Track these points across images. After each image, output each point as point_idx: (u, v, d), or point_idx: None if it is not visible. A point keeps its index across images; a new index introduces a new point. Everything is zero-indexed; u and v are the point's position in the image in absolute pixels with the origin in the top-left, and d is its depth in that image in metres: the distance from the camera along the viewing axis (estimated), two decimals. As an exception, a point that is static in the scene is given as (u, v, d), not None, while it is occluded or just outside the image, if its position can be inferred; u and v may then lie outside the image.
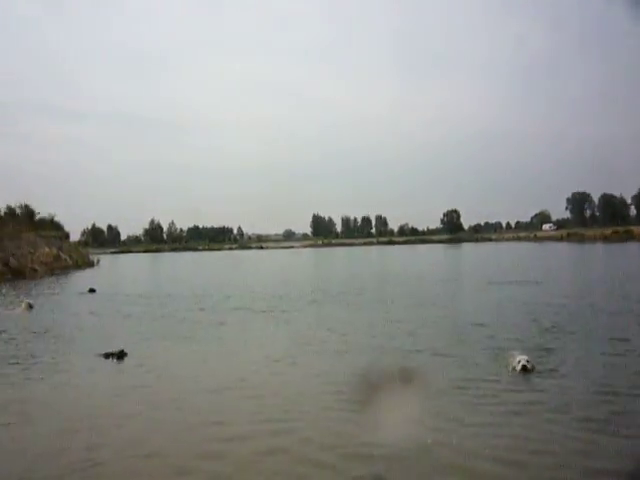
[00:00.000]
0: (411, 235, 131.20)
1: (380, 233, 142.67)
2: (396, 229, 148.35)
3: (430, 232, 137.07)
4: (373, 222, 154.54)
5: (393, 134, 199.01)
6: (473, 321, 13.15)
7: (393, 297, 18.99)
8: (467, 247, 79.38)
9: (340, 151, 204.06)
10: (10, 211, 47.52)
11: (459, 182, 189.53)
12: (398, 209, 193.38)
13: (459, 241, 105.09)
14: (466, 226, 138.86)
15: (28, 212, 49.30)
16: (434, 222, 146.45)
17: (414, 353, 9.98)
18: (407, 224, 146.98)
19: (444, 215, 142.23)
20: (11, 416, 7.24)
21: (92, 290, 22.93)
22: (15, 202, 49.04)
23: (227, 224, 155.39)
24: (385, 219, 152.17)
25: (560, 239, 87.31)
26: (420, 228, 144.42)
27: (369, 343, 11.06)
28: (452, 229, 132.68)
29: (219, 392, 7.95)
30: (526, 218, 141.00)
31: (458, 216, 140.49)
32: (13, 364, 10.09)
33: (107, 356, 10.22)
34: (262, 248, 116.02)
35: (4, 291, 25.79)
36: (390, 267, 41.42)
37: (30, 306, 17.71)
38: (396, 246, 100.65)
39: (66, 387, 8.73)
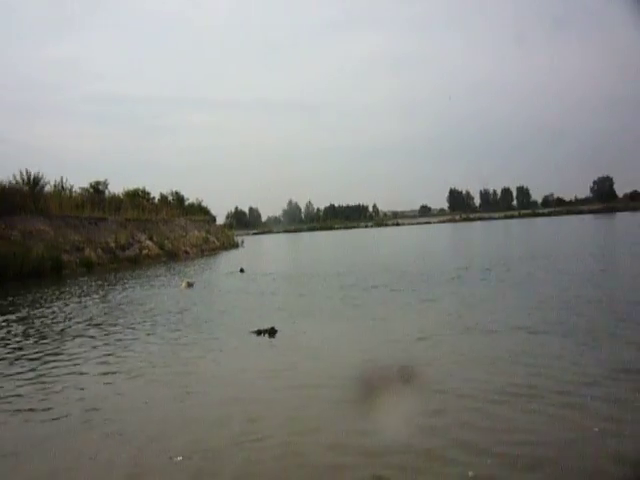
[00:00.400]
0: (557, 206, 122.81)
1: (522, 205, 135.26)
2: (540, 200, 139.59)
3: (579, 202, 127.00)
4: (514, 194, 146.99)
5: (535, 96, 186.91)
6: None
7: (549, 274, 17.64)
8: (622, 217, 72.57)
9: (475, 122, 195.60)
10: (163, 198, 51.19)
11: (612, 146, 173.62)
12: (541, 178, 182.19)
13: (612, 210, 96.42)
14: (621, 194, 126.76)
15: (179, 198, 52.79)
16: (583, 191, 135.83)
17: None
18: (552, 194, 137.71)
19: (594, 183, 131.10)
20: (174, 389, 7.50)
21: (242, 270, 24.03)
22: (167, 190, 52.70)
23: (362, 202, 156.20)
24: (527, 190, 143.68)
25: None
26: (567, 198, 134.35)
27: (520, 324, 10.15)
28: (604, 198, 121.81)
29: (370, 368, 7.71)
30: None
31: (611, 183, 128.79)
32: (175, 338, 10.64)
33: (259, 333, 10.48)
34: (398, 225, 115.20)
35: (163, 271, 28.02)
36: (536, 240, 38.96)
37: (190, 284, 19.39)
38: (540, 218, 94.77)
39: (223, 361, 9.01)
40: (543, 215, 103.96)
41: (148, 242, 38.77)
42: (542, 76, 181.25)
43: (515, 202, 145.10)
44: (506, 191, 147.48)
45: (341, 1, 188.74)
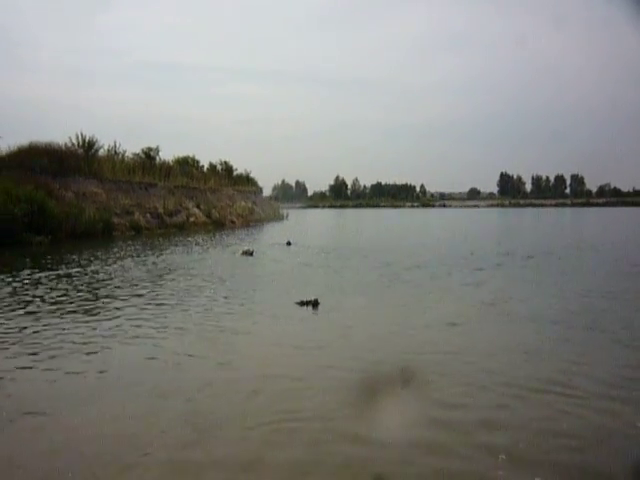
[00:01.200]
0: (613, 196, 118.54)
1: (576, 194, 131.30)
2: (595, 190, 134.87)
3: (637, 193, 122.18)
4: (568, 182, 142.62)
5: (595, 85, 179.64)
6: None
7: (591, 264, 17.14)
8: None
9: (533, 107, 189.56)
10: (212, 167, 51.69)
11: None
12: (597, 168, 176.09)
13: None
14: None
15: (227, 168, 53.20)
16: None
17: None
18: (608, 184, 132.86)
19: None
20: (222, 355, 7.64)
21: (289, 243, 24.13)
22: (216, 159, 53.15)
23: (410, 181, 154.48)
24: (582, 178, 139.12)
25: None
26: (624, 189, 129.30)
27: (554, 315, 9.89)
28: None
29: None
30: None
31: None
32: (228, 306, 10.85)
33: (302, 304, 10.66)
34: (445, 206, 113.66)
35: (216, 237, 28.64)
36: (585, 230, 37.77)
37: (247, 252, 20.16)
38: (593, 208, 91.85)
39: (268, 330, 9.18)
40: (597, 205, 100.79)
41: (195, 210, 39.42)
42: (615, 60, 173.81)
43: (568, 190, 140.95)
44: (559, 178, 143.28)
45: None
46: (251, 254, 19.99)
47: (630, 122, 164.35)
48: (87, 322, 9.45)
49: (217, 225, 40.06)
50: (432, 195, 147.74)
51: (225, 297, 11.79)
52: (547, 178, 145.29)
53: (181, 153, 48.24)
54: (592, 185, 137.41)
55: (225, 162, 53.15)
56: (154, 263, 17.75)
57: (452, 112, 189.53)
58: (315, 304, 10.64)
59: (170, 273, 15.42)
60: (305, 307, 10.54)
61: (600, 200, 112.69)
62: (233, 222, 43.27)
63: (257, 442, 4.93)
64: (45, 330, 8.80)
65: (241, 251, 20.39)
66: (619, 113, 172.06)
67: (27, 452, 4.84)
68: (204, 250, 22.61)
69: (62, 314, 10.04)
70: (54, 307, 10.63)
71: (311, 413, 5.56)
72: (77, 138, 32.15)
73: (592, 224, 47.29)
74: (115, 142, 37.39)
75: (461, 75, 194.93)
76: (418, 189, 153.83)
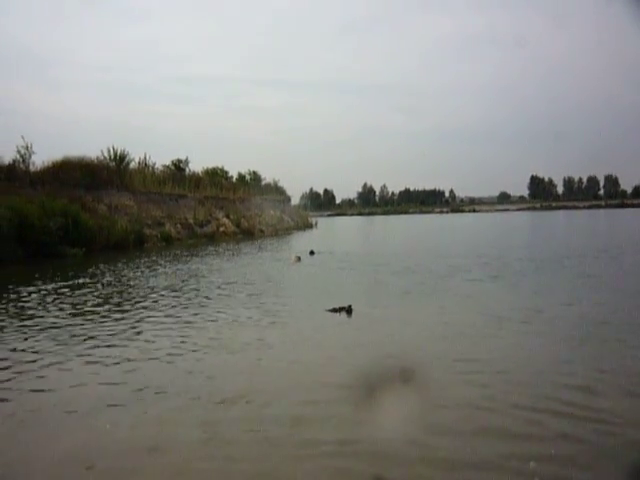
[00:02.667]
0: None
1: (610, 195, 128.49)
2: (630, 190, 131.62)
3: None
4: (601, 183, 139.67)
5: (625, 80, 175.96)
6: None
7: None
8: None
9: (564, 108, 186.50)
10: (240, 177, 52.16)
11: None
12: (633, 167, 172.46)
13: None
14: None
15: (256, 178, 53.63)
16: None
17: None
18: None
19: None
20: (255, 351, 7.70)
21: (312, 252, 23.76)
22: (244, 170, 53.62)
23: (439, 187, 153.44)
24: (616, 179, 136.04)
25: None
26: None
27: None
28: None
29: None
30: None
31: None
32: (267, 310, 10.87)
33: (336, 310, 10.63)
34: (475, 211, 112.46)
35: (248, 247, 28.78)
36: (620, 231, 36.89)
37: (299, 259, 20.96)
38: (629, 209, 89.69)
39: (305, 335, 9.16)
40: (633, 206, 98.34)
41: (225, 219, 39.76)
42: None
43: (602, 191, 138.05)
44: (592, 179, 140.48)
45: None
46: (299, 259, 20.91)
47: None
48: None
49: (246, 234, 40.34)
50: (462, 200, 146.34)
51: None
52: (580, 179, 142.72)
53: (210, 164, 48.88)
54: (627, 185, 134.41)
55: (254, 172, 53.66)
56: (194, 275, 17.92)
57: (482, 115, 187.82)
58: (349, 310, 10.59)
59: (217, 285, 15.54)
60: (339, 313, 10.49)
61: (636, 201, 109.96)
62: (262, 231, 43.51)
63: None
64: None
65: (294, 257, 21.11)
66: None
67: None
68: (252, 258, 22.82)
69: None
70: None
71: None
72: (109, 152, 32.83)
73: (627, 225, 46.17)
74: (145, 154, 38.06)
75: (491, 79, 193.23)
76: (447, 194, 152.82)
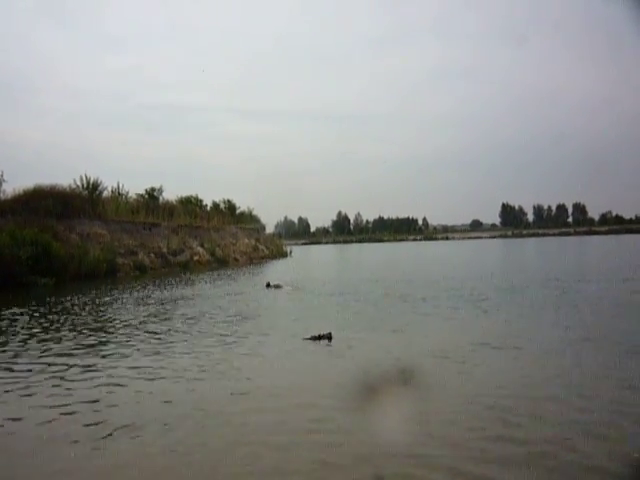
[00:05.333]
0: (615, 224, 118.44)
1: (578, 223, 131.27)
2: (597, 218, 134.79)
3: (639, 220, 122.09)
4: (570, 210, 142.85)
5: (597, 111, 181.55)
6: None
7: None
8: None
9: (529, 137, 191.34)
10: (215, 206, 52.03)
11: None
12: (599, 196, 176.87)
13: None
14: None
15: (230, 207, 53.52)
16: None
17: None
18: (610, 212, 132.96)
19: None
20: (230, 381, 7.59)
21: (268, 285, 21.71)
22: (219, 198, 53.48)
23: (412, 215, 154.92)
24: (584, 207, 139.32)
25: None
26: (627, 216, 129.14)
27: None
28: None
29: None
30: None
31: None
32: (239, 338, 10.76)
33: (317, 338, 10.66)
34: (448, 239, 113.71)
35: (216, 276, 28.57)
36: (586, 257, 37.70)
37: (271, 285, 21.34)
38: (597, 236, 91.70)
39: (297, 364, 9.16)
40: (600, 233, 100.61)
41: (199, 248, 39.53)
42: (604, 90, 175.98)
43: (570, 219, 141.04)
44: (561, 207, 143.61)
45: (391, 16, 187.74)
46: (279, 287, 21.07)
47: (631, 151, 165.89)
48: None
49: (221, 263, 40.11)
50: (434, 228, 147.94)
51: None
52: (549, 207, 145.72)
53: (185, 193, 48.70)
54: (594, 213, 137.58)
55: (228, 200, 53.57)
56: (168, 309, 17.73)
57: (452, 144, 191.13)
58: (330, 337, 10.65)
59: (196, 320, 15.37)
60: (320, 341, 10.53)
61: (603, 228, 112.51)
62: (237, 260, 43.33)
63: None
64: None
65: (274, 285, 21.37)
66: (620, 142, 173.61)
67: None
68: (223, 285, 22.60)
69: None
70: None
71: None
72: (81, 180, 32.56)
73: (592, 253, 47.20)
74: (119, 183, 37.86)
75: (462, 108, 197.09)
76: (420, 222, 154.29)
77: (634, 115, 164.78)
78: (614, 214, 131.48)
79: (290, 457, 5.38)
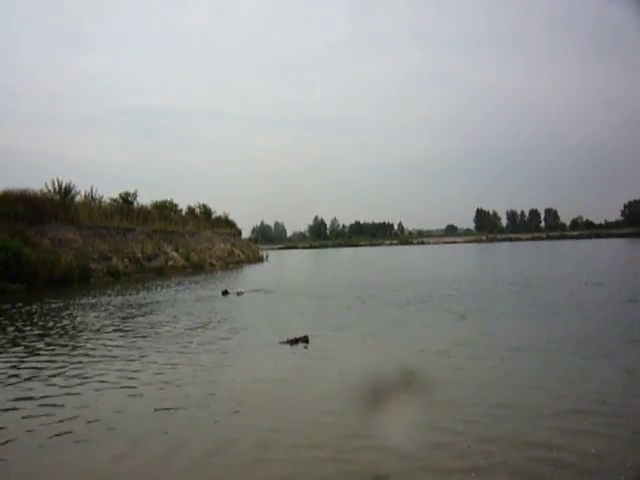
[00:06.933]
0: (585, 229, 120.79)
1: (550, 227, 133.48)
2: (568, 223, 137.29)
3: (609, 225, 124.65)
4: (542, 216, 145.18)
5: (568, 117, 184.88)
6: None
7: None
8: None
9: (505, 142, 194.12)
10: (190, 210, 51.70)
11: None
12: (570, 201, 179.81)
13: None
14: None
15: (206, 211, 53.24)
16: (613, 214, 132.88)
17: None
18: (581, 217, 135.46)
19: (625, 206, 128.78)
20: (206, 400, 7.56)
21: (225, 292, 21.06)
22: (194, 203, 53.14)
23: (388, 220, 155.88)
24: (555, 212, 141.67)
25: None
26: (597, 221, 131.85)
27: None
28: (635, 222, 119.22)
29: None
30: None
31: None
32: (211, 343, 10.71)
33: (293, 342, 10.69)
34: (423, 243, 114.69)
35: (202, 280, 28.40)
36: (560, 261, 38.34)
37: (239, 293, 20.79)
38: (568, 241, 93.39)
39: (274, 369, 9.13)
40: (571, 238, 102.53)
41: (174, 253, 39.24)
42: (576, 95, 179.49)
43: (543, 224, 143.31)
44: (534, 212, 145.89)
45: (363, 21, 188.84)
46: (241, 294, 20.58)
47: (601, 158, 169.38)
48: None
49: (196, 268, 39.86)
50: (410, 232, 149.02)
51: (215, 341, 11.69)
52: (522, 212, 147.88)
53: (160, 197, 48.34)
54: (566, 219, 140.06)
55: (204, 205, 53.28)
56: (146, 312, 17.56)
57: (428, 150, 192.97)
58: (306, 340, 10.71)
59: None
60: (297, 344, 10.57)
61: (574, 233, 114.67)
62: (212, 265, 43.12)
63: None
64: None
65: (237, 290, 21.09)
66: (588, 148, 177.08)
67: None
68: (196, 292, 22.44)
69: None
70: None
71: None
72: (53, 184, 32.09)
73: (566, 256, 48.02)
74: (92, 188, 37.45)
75: (437, 114, 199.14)
76: (396, 227, 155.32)
77: (605, 128, 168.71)
78: (584, 219, 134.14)
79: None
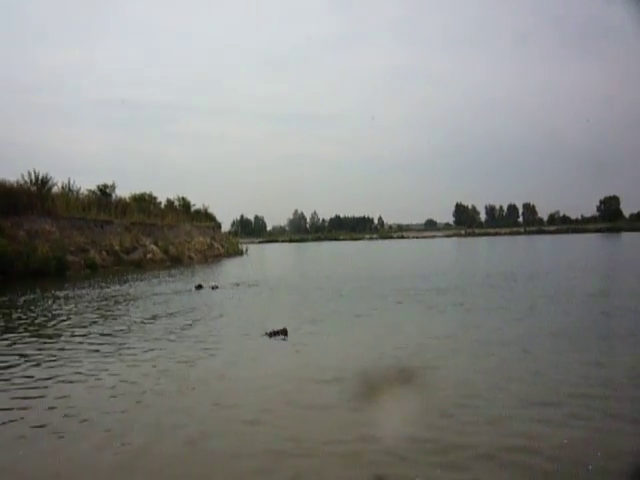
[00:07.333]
0: (562, 224, 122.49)
1: (528, 222, 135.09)
2: (546, 218, 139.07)
3: (585, 221, 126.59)
4: (520, 211, 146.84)
5: (542, 117, 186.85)
6: None
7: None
8: (627, 237, 72.27)
9: (481, 137, 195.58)
10: (169, 203, 51.27)
11: (621, 166, 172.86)
12: (548, 197, 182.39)
13: (618, 230, 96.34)
14: (627, 214, 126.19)
15: (185, 204, 52.83)
16: (589, 210, 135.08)
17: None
18: (558, 212, 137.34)
19: (601, 202, 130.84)
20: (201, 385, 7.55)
21: (199, 286, 20.68)
22: (173, 195, 52.70)
23: (368, 214, 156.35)
24: (534, 207, 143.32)
25: None
26: (573, 217, 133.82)
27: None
28: (610, 217, 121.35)
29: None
30: None
31: (618, 203, 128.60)
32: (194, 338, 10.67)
33: (273, 334, 10.70)
34: (403, 238, 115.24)
35: (180, 273, 28.19)
36: (537, 257, 38.90)
37: (214, 287, 20.41)
38: (545, 236, 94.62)
39: (256, 362, 9.14)
40: (549, 232, 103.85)
41: (152, 246, 38.89)
42: (556, 93, 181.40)
43: (521, 219, 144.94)
44: (512, 207, 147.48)
45: (346, 15, 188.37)
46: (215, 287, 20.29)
47: (575, 153, 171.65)
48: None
49: (175, 261, 39.59)
50: (390, 227, 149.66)
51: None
52: (500, 207, 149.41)
53: (138, 190, 47.86)
54: (543, 214, 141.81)
55: (183, 198, 52.88)
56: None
57: (407, 146, 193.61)
58: (285, 332, 10.74)
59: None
60: (276, 337, 10.58)
61: (551, 228, 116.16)
62: (191, 258, 42.85)
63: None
64: None
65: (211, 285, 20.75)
66: (566, 144, 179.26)
67: None
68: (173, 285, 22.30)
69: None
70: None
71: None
72: (30, 175, 31.60)
73: (540, 251, 48.69)
74: (69, 179, 36.94)
75: (418, 111, 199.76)
76: (376, 221, 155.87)
77: (583, 127, 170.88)
78: (561, 214, 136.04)
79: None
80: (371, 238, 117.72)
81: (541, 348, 9.20)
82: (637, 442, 5.38)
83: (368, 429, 5.77)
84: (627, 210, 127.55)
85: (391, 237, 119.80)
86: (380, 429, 5.77)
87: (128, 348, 10.07)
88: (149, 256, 37.73)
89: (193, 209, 53.04)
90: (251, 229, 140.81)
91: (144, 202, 45.32)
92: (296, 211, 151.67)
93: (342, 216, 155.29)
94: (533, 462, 4.93)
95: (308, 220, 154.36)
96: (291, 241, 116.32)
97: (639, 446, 5.22)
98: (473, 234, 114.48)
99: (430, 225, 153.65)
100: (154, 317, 13.78)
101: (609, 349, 9.24)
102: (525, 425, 5.78)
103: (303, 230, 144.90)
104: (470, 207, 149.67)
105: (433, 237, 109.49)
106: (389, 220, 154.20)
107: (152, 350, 9.86)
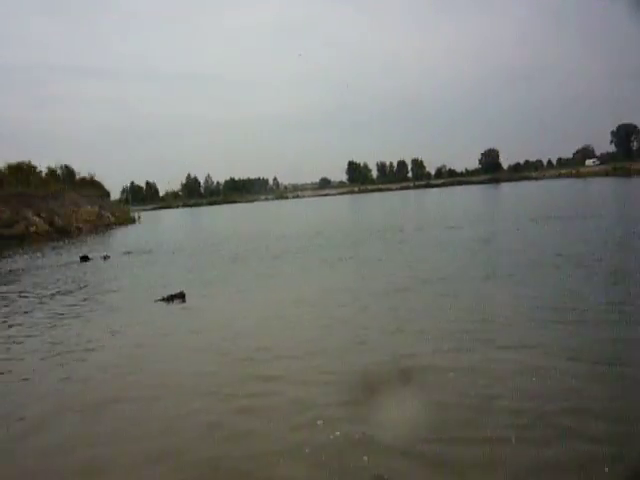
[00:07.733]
0: (449, 177, 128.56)
1: (417, 177, 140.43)
2: (433, 172, 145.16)
3: (469, 173, 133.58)
4: (409, 166, 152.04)
5: (425, 73, 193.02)
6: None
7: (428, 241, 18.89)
8: (505, 187, 77.43)
9: (371, 95, 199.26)
10: (51, 172, 48.40)
11: (498, 121, 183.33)
12: (434, 152, 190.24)
13: (497, 181, 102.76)
14: (506, 166, 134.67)
15: (68, 172, 50.14)
16: (473, 163, 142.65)
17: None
18: (444, 166, 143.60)
19: (482, 155, 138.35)
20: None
21: (85, 257, 19.86)
22: (55, 163, 49.76)
23: (262, 175, 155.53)
24: (422, 162, 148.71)
25: (605, 174, 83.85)
26: (458, 170, 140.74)
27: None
28: (491, 169, 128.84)
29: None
30: (569, 155, 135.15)
31: (497, 155, 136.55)
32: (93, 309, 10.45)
33: (170, 298, 10.71)
34: (298, 197, 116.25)
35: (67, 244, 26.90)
36: (420, 212, 40.94)
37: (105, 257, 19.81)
38: (433, 189, 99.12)
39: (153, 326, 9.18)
40: (436, 186, 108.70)
41: (35, 218, 36.80)
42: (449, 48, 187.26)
43: (410, 174, 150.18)
44: (402, 163, 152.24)
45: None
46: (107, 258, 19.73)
47: (460, 112, 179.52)
48: None
49: (62, 233, 37.70)
50: (285, 187, 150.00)
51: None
52: (391, 164, 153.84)
53: (20, 158, 44.70)
54: (431, 168, 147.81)
55: (66, 166, 50.15)
56: None
57: (298, 104, 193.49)
58: (182, 296, 10.76)
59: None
60: (174, 301, 10.64)
61: (438, 181, 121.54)
62: (80, 229, 40.99)
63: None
64: None
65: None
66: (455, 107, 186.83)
67: None
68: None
69: None
70: None
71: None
72: None
73: (425, 205, 51.16)
74: None
75: (305, 69, 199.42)
76: (271, 182, 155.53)
77: (467, 84, 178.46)
78: (447, 168, 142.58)
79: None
80: (266, 199, 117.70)
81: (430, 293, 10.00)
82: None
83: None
84: (507, 162, 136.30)
85: (286, 197, 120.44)
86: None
87: (16, 325, 9.78)
88: (32, 229, 35.74)
89: (78, 177, 50.48)
90: (143, 196, 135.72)
91: (22, 172, 42.48)
92: (189, 175, 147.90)
93: (237, 178, 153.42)
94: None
95: (202, 184, 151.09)
96: (185, 206, 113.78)
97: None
98: (366, 190, 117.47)
99: (324, 183, 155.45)
100: (42, 291, 13.34)
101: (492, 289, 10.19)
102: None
103: (197, 194, 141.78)
104: (362, 165, 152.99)
105: (327, 195, 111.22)
106: (284, 180, 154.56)
107: (42, 325, 9.66)
